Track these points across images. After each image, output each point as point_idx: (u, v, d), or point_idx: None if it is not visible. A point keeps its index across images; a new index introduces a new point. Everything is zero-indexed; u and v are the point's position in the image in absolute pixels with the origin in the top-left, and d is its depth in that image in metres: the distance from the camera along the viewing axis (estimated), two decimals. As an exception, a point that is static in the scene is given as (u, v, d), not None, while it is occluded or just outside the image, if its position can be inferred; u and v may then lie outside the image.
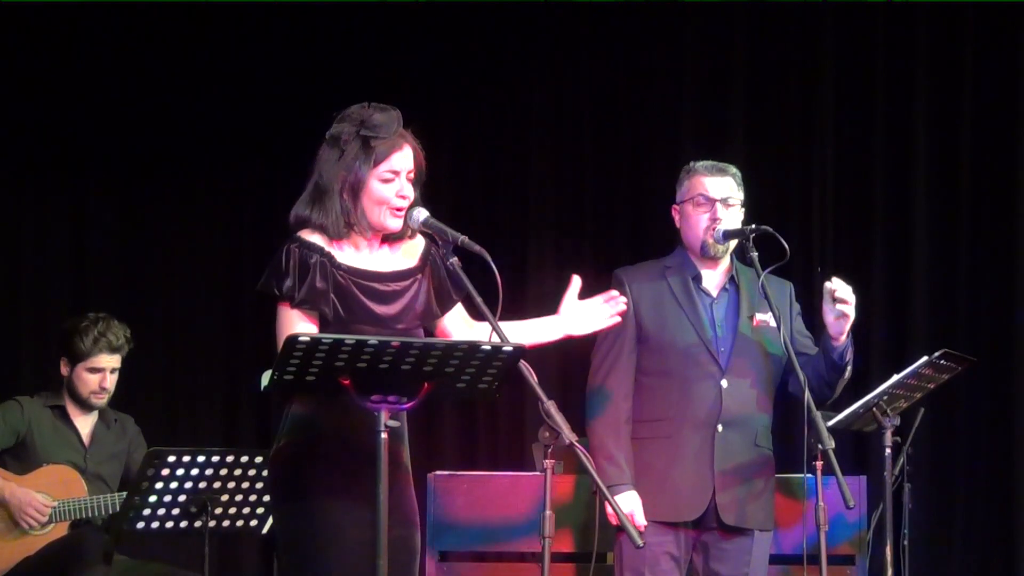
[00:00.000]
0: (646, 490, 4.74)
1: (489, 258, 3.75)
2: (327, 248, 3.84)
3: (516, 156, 7.33)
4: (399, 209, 3.88)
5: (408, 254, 3.98)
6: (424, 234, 3.99)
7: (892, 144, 6.87)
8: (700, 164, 4.97)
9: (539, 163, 7.29)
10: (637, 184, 7.16)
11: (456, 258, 3.86)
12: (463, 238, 3.84)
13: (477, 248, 3.80)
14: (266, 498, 5.32)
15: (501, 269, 3.76)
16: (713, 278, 4.93)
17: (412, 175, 3.91)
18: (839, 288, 4.69)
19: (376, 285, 3.87)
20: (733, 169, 4.98)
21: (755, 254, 4.75)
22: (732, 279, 4.94)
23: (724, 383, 4.80)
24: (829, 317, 4.75)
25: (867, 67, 6.91)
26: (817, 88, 6.95)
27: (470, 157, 7.38)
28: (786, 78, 7.02)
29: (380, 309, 3.84)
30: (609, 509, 4.47)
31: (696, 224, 4.88)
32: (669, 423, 4.79)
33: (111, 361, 5.81)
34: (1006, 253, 6.67)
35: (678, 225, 4.96)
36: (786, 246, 4.68)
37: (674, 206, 4.97)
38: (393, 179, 3.87)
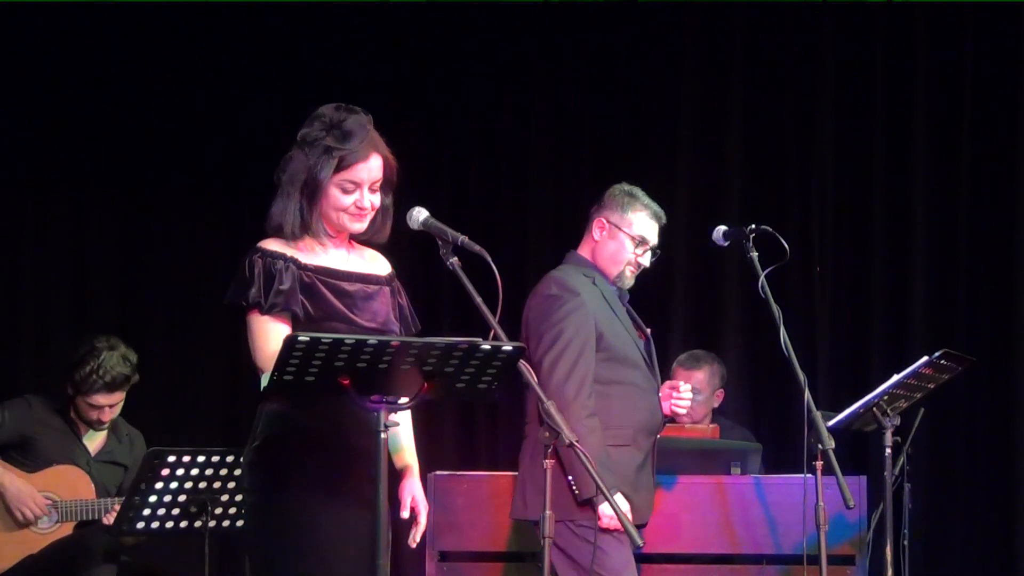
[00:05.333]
0: None
1: (489, 258, 3.75)
2: (289, 252, 3.83)
3: (516, 155, 7.33)
4: (359, 216, 3.87)
5: (375, 264, 3.99)
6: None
7: (892, 144, 6.87)
8: (648, 200, 5.04)
9: (539, 163, 7.30)
10: (637, 184, 7.15)
11: (456, 258, 3.85)
12: (463, 238, 3.83)
13: (477, 248, 3.79)
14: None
15: (501, 269, 3.76)
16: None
17: (378, 184, 3.89)
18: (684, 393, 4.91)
19: (344, 284, 3.86)
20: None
21: (755, 254, 4.77)
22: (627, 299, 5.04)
23: (660, 395, 4.92)
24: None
25: (867, 67, 6.91)
26: (817, 88, 6.95)
27: (470, 157, 7.39)
28: (786, 78, 7.02)
29: (349, 309, 3.84)
30: (608, 512, 4.53)
31: (623, 259, 4.97)
32: (626, 431, 4.82)
33: (108, 399, 5.78)
34: (1006, 253, 6.67)
35: (597, 238, 5.00)
36: (786, 246, 4.70)
37: (601, 219, 5.00)
38: (353, 190, 3.85)
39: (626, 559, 4.71)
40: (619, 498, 4.64)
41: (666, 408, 4.93)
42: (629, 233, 4.95)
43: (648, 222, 5.00)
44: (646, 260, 4.99)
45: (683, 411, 4.97)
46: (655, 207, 5.04)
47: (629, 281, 5.00)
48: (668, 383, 4.99)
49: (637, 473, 4.82)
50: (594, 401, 4.75)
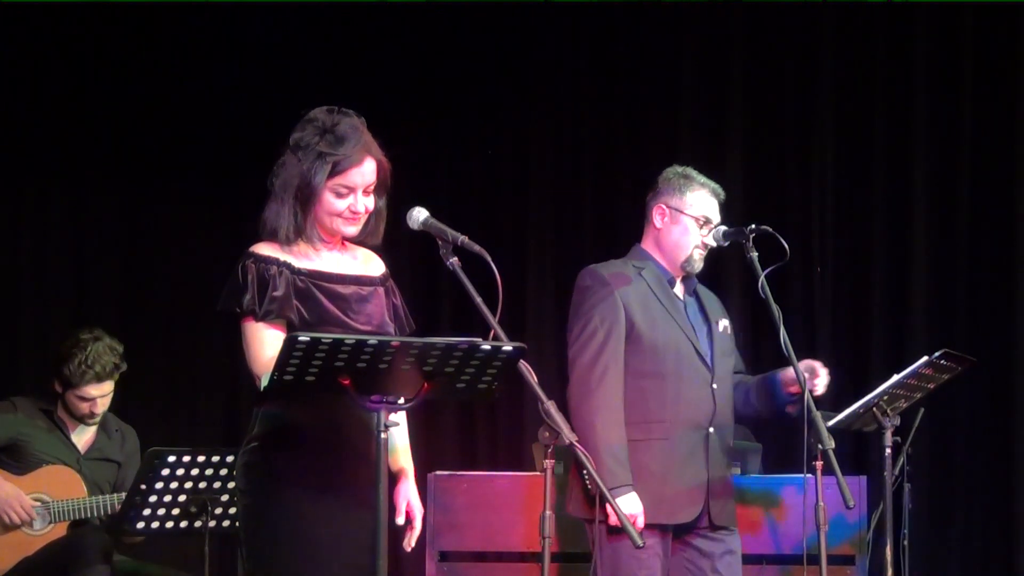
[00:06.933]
0: (642, 492, 4.67)
1: (489, 258, 3.75)
2: (283, 257, 3.83)
3: (516, 156, 7.33)
4: (352, 220, 3.87)
5: (368, 265, 3.99)
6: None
7: (892, 144, 6.87)
8: (704, 179, 4.94)
9: (539, 163, 7.30)
10: (637, 184, 7.15)
11: (456, 258, 3.85)
12: (463, 238, 3.83)
13: (477, 248, 3.79)
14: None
15: (501, 269, 3.76)
16: (679, 283, 4.96)
17: (372, 188, 3.89)
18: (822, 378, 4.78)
19: (338, 287, 3.86)
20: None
21: (755, 254, 4.75)
22: (693, 290, 4.98)
23: (715, 385, 4.82)
24: (790, 378, 4.79)
25: (867, 67, 6.91)
26: (817, 88, 6.95)
27: (470, 157, 7.38)
28: (786, 78, 7.02)
29: (343, 312, 3.83)
30: (609, 509, 4.46)
31: (689, 242, 4.88)
32: (664, 425, 4.74)
33: (99, 390, 5.75)
34: (1006, 253, 6.67)
35: (659, 225, 4.92)
36: (786, 246, 4.69)
37: (660, 205, 4.92)
38: (347, 194, 3.85)
39: (637, 557, 4.66)
40: (633, 496, 4.64)
41: (811, 386, 4.74)
42: (692, 215, 4.87)
43: (708, 200, 4.90)
44: (712, 240, 4.89)
45: (819, 392, 4.79)
46: (712, 184, 4.94)
47: (698, 264, 4.89)
48: (806, 363, 4.80)
49: (670, 470, 4.73)
50: (619, 392, 4.70)
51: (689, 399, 4.77)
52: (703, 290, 5.02)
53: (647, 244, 4.95)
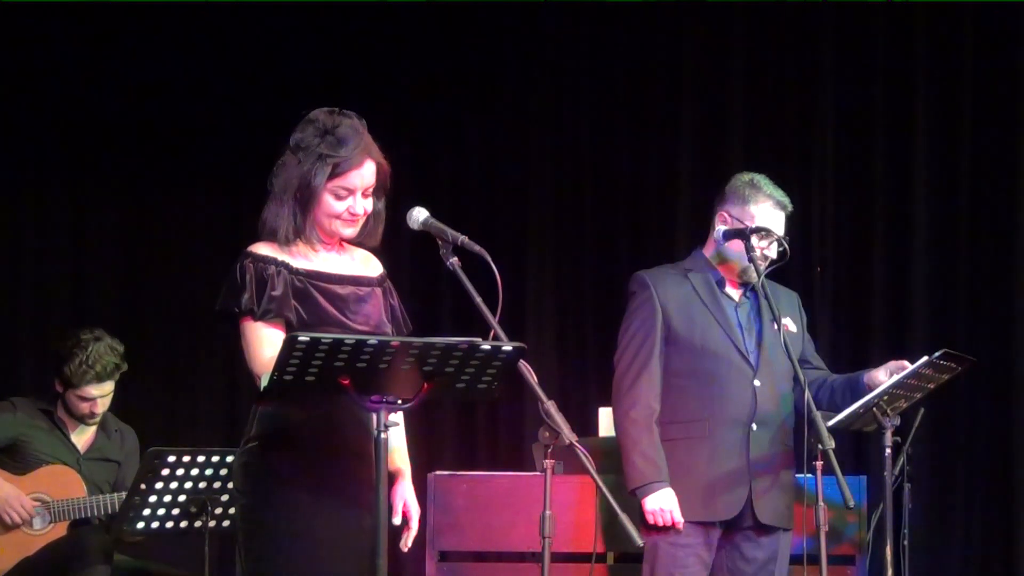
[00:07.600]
0: (681, 490, 4.75)
1: (489, 258, 3.75)
2: (281, 257, 3.82)
3: (516, 156, 7.33)
4: (351, 222, 3.87)
5: (366, 265, 3.99)
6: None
7: (892, 144, 6.87)
8: (772, 189, 4.92)
9: (539, 163, 7.30)
10: (637, 184, 7.17)
11: (456, 258, 3.85)
12: (463, 238, 3.83)
13: (477, 248, 3.79)
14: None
15: (501, 269, 3.76)
16: (734, 284, 4.96)
17: (371, 190, 3.89)
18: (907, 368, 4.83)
19: (336, 288, 3.86)
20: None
21: (756, 254, 4.77)
22: (751, 287, 4.96)
23: (757, 383, 4.84)
24: (883, 377, 4.86)
25: (867, 67, 6.91)
26: (817, 88, 6.94)
27: (470, 157, 7.38)
28: (786, 78, 7.02)
29: (341, 313, 3.83)
30: (648, 507, 4.66)
31: (747, 253, 4.86)
32: (703, 423, 4.80)
33: (99, 390, 5.76)
34: (1006, 254, 6.67)
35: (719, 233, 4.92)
36: (786, 246, 4.69)
37: (723, 213, 4.91)
38: (346, 196, 3.85)
39: (674, 555, 4.73)
40: (667, 492, 4.72)
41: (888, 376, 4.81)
42: (752, 227, 4.86)
43: (772, 213, 4.89)
44: (772, 252, 4.88)
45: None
46: (779, 195, 4.92)
47: (753, 277, 4.88)
48: (896, 364, 4.86)
49: (710, 467, 4.79)
50: (654, 393, 4.78)
51: (728, 397, 4.82)
52: (769, 288, 4.96)
53: (707, 250, 4.98)
